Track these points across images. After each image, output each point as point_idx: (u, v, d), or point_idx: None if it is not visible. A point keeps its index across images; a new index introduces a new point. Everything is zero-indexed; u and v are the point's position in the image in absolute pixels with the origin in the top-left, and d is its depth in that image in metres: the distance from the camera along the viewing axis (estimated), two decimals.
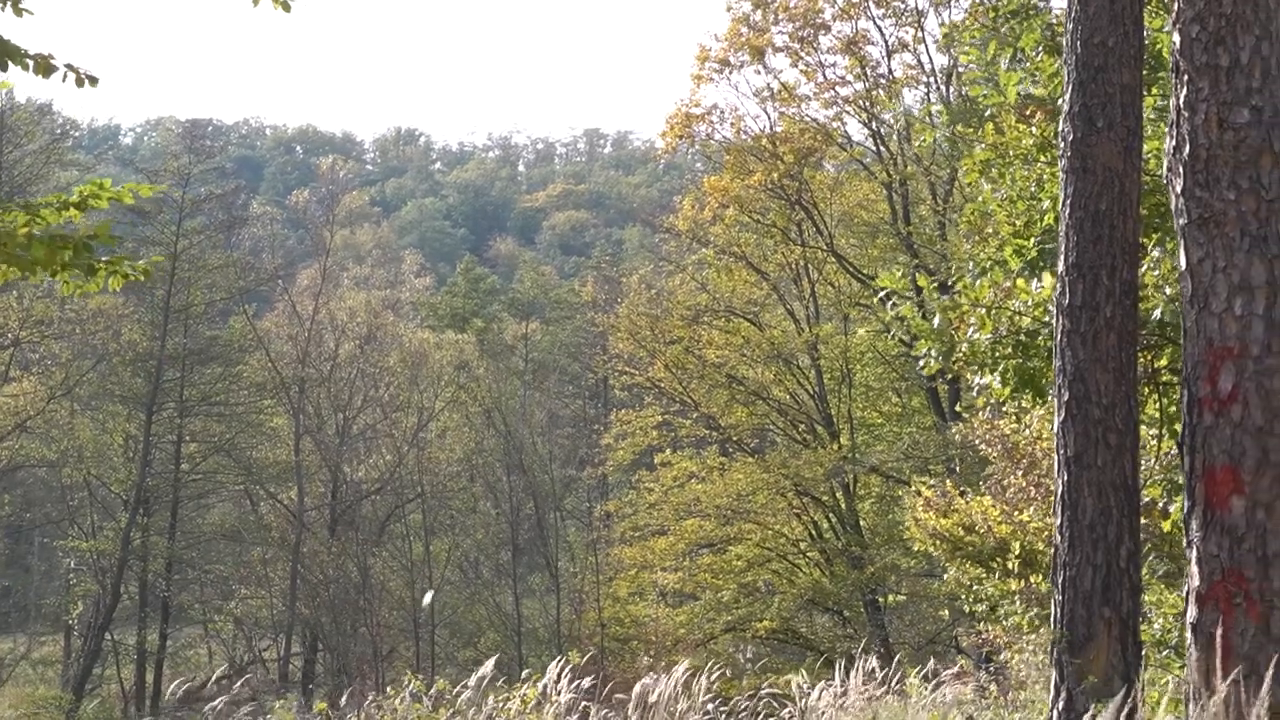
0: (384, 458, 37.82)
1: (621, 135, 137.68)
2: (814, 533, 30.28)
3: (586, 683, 9.71)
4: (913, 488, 17.89)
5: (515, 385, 42.66)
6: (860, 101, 30.41)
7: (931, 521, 16.53)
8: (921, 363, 9.10)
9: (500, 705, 9.56)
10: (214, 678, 36.95)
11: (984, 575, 16.24)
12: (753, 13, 30.69)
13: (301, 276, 44.01)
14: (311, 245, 41.44)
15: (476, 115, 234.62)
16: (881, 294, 9.75)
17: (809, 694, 10.04)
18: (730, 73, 31.06)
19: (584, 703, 9.45)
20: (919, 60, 30.30)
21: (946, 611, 21.39)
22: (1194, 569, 4.86)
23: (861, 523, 30.28)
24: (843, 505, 29.93)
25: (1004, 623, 15.34)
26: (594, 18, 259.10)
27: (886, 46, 30.15)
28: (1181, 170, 4.95)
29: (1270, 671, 4.41)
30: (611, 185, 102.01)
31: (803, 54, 30.53)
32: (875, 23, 30.17)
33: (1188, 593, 4.92)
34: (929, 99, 29.89)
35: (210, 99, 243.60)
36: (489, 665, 9.84)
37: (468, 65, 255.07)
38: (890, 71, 30.46)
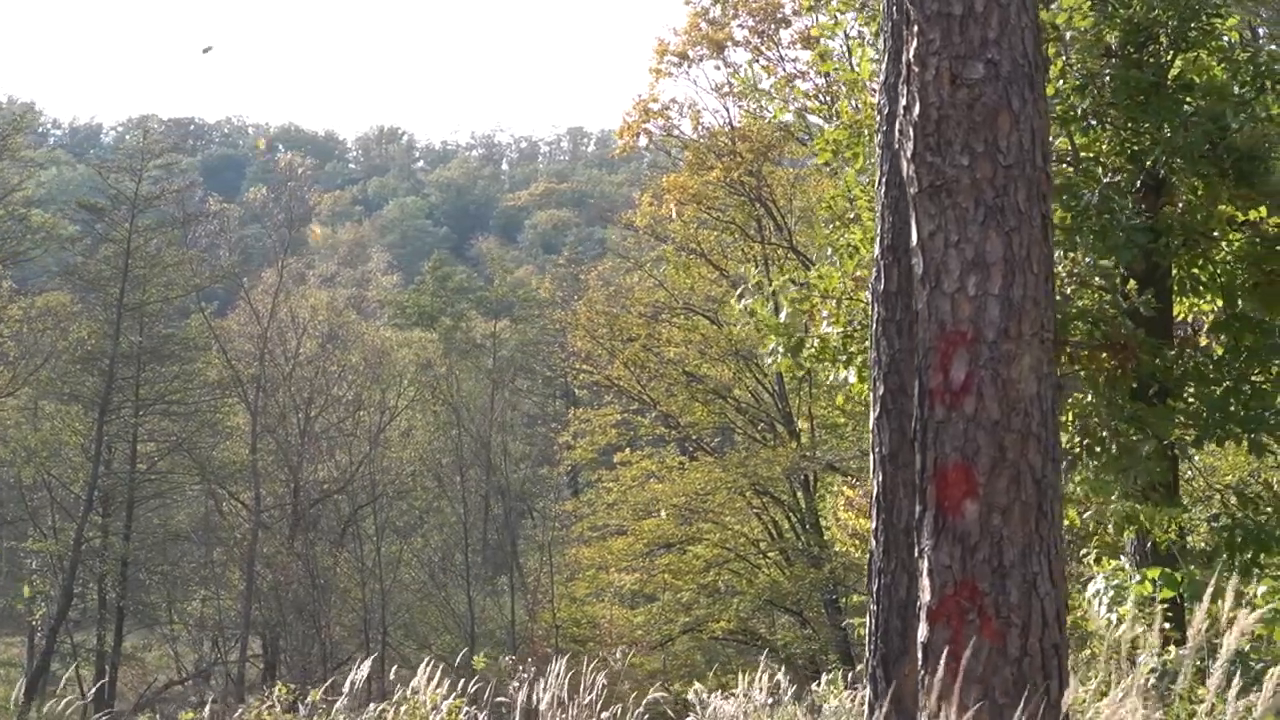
0: (338, 459, 37.33)
1: (605, 134, 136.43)
2: (774, 532, 29.89)
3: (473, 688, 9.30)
4: (835, 488, 17.44)
5: (484, 383, 42.16)
6: (820, 96, 29.97)
7: (852, 521, 16.09)
8: (769, 360, 8.59)
9: (375, 715, 9.14)
10: (165, 684, 36.51)
11: None
12: (712, 7, 30.26)
13: (268, 274, 43.49)
14: (277, 243, 40.85)
15: (460, 114, 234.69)
16: (741, 289, 9.21)
17: (710, 702, 9.69)
18: (689, 67, 30.66)
19: (468, 708, 9.02)
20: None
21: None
22: (925, 581, 4.29)
23: (821, 521, 29.84)
24: (802, 504, 29.49)
25: None
26: (578, 17, 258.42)
27: (848, 40, 29.70)
28: (912, 132, 4.36)
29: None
30: (594, 184, 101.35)
31: (763, 49, 30.12)
32: (836, 17, 29.71)
33: (919, 608, 4.35)
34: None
35: (193, 98, 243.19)
36: (364, 669, 9.42)
37: (451, 64, 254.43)
38: (852, 67, 30.01)
